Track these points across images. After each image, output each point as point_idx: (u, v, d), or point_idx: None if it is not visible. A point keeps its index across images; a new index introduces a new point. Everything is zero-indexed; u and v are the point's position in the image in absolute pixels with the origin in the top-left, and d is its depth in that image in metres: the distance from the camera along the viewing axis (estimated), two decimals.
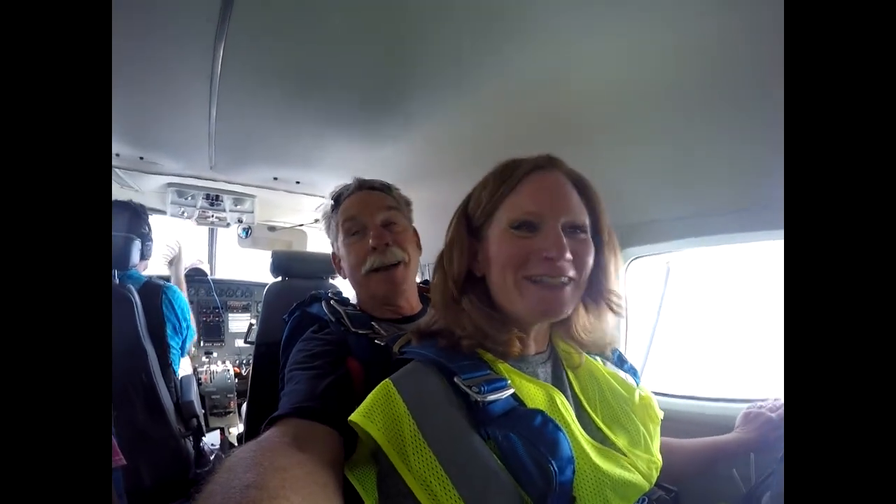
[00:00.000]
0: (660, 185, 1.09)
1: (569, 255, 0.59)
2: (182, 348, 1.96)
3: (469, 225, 0.68)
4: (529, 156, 0.67)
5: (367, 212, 0.95)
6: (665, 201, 1.10)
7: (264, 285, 2.79)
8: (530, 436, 0.54)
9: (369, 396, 0.57)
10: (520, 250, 0.61)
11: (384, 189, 1.02)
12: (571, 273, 0.60)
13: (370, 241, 0.91)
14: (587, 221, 0.64)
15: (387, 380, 0.58)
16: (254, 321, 2.79)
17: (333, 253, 1.04)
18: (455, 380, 0.58)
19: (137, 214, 1.81)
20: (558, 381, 0.68)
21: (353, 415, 0.55)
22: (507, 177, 0.65)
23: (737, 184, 0.95)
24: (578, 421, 0.62)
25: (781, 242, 0.96)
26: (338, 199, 1.01)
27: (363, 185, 1.00)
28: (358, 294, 0.99)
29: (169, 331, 1.84)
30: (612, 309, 0.67)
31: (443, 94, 1.06)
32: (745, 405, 0.94)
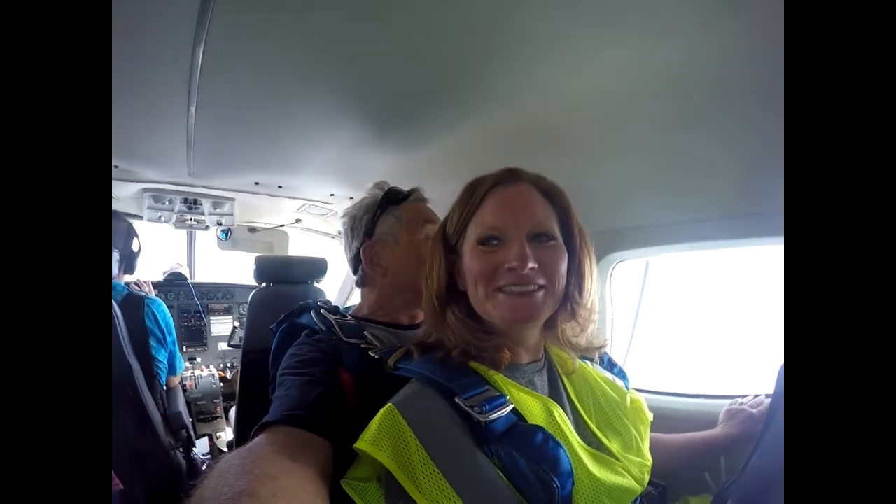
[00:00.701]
0: (650, 191, 1.11)
1: (532, 264, 0.61)
2: (171, 368, 1.93)
3: (446, 243, 0.71)
4: (492, 172, 0.70)
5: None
6: (655, 207, 1.12)
7: (246, 287, 2.74)
8: (532, 453, 0.56)
9: (374, 422, 0.57)
10: (487, 264, 0.64)
11: None
12: (541, 280, 0.63)
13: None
14: (555, 228, 0.66)
15: (390, 404, 0.59)
16: (237, 324, 2.76)
17: (373, 243, 0.97)
18: (456, 400, 0.59)
19: (120, 224, 1.77)
20: (554, 388, 0.70)
21: (359, 442, 0.56)
22: (472, 195, 0.68)
23: (730, 190, 0.97)
24: (575, 428, 0.64)
25: (773, 248, 0.99)
26: (409, 194, 1.01)
27: (424, 200, 1.03)
28: (398, 291, 0.96)
29: (153, 343, 1.81)
30: (589, 309, 0.69)
31: (433, 101, 1.06)
32: (727, 401, 0.97)
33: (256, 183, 1.81)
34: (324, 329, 0.87)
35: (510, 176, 0.68)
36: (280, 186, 1.86)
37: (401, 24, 0.79)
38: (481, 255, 0.65)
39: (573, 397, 0.70)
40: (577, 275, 0.67)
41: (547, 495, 0.54)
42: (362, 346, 0.84)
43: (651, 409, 0.77)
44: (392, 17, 0.77)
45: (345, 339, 0.85)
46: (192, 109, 1.12)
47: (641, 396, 0.76)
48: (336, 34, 0.83)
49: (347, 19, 0.78)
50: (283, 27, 0.81)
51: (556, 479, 0.54)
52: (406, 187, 1.04)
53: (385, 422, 0.57)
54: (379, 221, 0.98)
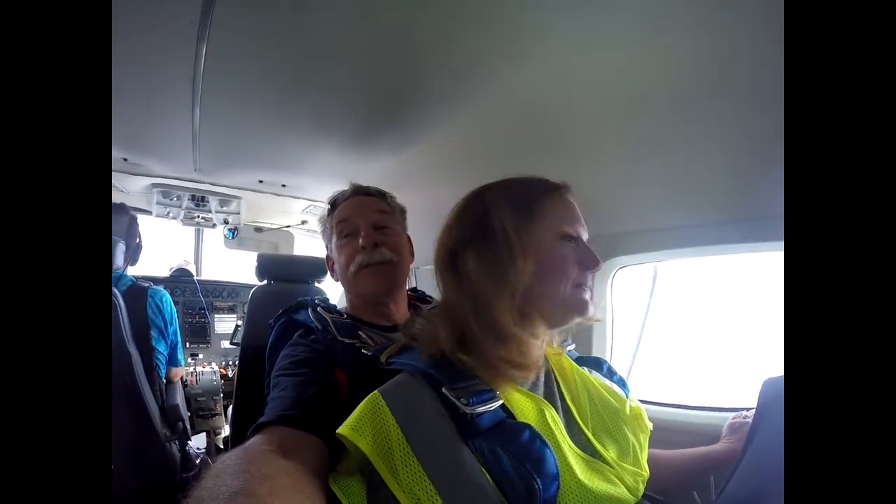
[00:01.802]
0: (650, 195, 1.09)
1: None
2: (172, 359, 1.94)
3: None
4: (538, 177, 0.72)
5: (360, 214, 0.97)
6: (656, 210, 1.10)
7: (250, 286, 2.77)
8: (517, 452, 0.54)
9: (357, 409, 0.56)
10: (573, 260, 0.66)
11: (379, 195, 1.04)
12: None
13: (360, 240, 0.92)
14: None
15: (375, 392, 0.58)
16: (240, 322, 2.77)
17: (328, 255, 1.05)
18: (443, 390, 0.57)
19: (125, 217, 1.79)
20: (549, 391, 0.68)
21: (341, 427, 0.55)
22: (548, 190, 0.69)
23: (732, 193, 0.95)
24: (568, 433, 0.62)
25: (775, 252, 0.96)
26: (334, 203, 1.03)
27: (358, 191, 1.03)
28: (349, 296, 0.99)
29: (154, 334, 1.82)
30: None
31: (436, 101, 1.06)
32: (731, 414, 0.94)
33: (260, 181, 1.83)
34: (319, 327, 0.88)
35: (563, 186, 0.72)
36: (284, 185, 1.87)
37: (396, 21, 0.79)
38: (568, 250, 0.66)
39: (568, 401, 0.69)
40: None
41: (528, 497, 0.52)
42: (356, 344, 0.84)
43: (653, 421, 0.75)
44: (388, 15, 0.77)
45: (339, 338, 0.85)
46: (197, 105, 1.13)
47: (643, 407, 0.75)
48: (332, 33, 0.83)
49: (343, 17, 0.78)
50: (281, 27, 0.82)
51: (538, 480, 0.52)
52: (402, 187, 1.05)
53: (368, 409, 0.56)
54: (325, 233, 1.04)
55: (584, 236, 0.68)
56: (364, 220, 0.96)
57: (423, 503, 0.49)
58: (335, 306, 0.97)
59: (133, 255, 1.87)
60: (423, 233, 0.99)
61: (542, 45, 0.81)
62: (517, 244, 0.64)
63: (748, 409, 0.92)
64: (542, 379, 0.69)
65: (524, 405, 0.61)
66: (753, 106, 0.78)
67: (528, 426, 0.57)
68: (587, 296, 0.66)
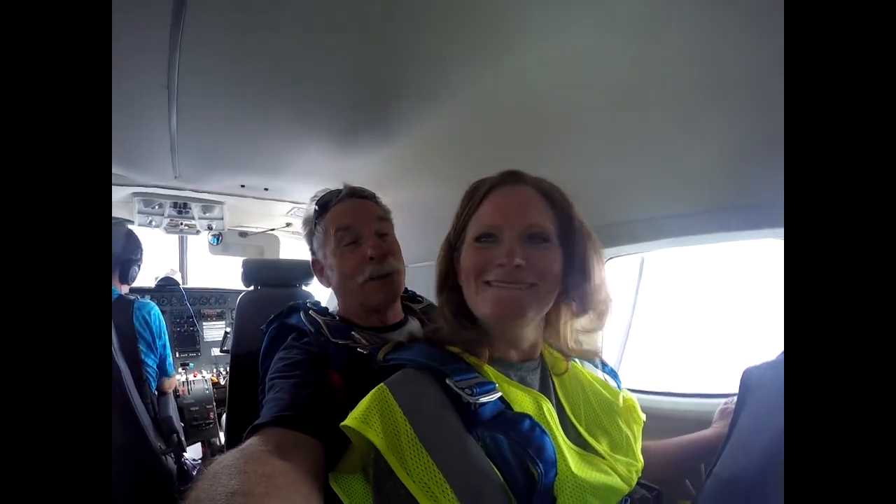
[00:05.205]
0: (641, 184, 1.09)
1: (519, 261, 0.61)
2: (162, 370, 1.92)
3: (449, 240, 0.73)
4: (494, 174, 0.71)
5: (363, 221, 0.94)
6: (646, 200, 1.11)
7: (238, 292, 2.75)
8: (519, 439, 0.56)
9: (364, 402, 0.58)
10: (479, 260, 0.65)
11: (373, 198, 1.02)
12: (530, 279, 0.63)
13: (369, 251, 0.90)
14: (550, 229, 0.66)
15: (381, 385, 0.59)
16: (229, 329, 2.74)
17: (315, 259, 1.02)
18: (447, 381, 0.60)
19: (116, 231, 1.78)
20: (545, 388, 0.70)
21: (348, 419, 0.56)
22: (472, 196, 0.70)
23: (725, 181, 0.95)
24: (561, 427, 0.64)
25: (765, 241, 0.98)
26: (325, 205, 0.98)
27: (354, 193, 0.99)
28: (346, 302, 0.98)
29: (142, 348, 1.80)
30: (597, 310, 0.69)
31: (419, 99, 1.05)
32: (722, 400, 0.96)
33: (242, 185, 1.81)
34: (312, 330, 0.88)
35: (511, 178, 0.70)
36: (266, 189, 1.86)
37: (377, 16, 0.77)
38: (476, 251, 0.66)
39: (562, 399, 0.70)
40: (583, 275, 0.67)
41: (528, 483, 0.55)
42: (350, 345, 0.84)
43: (644, 409, 0.76)
44: (367, 10, 0.76)
45: (333, 339, 0.85)
46: (174, 112, 1.11)
47: (634, 397, 0.76)
48: (313, 36, 0.82)
49: (326, 21, 0.77)
50: (257, 26, 0.80)
51: (540, 465, 0.55)
52: (389, 185, 1.03)
53: (375, 401, 0.57)
54: (314, 238, 1.00)
55: (515, 229, 0.64)
56: (368, 227, 0.94)
57: (434, 492, 0.51)
58: (327, 309, 0.98)
59: (129, 273, 1.85)
60: (413, 230, 0.98)
61: (527, 39, 0.80)
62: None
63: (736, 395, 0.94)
64: (538, 377, 0.71)
65: (521, 398, 0.63)
66: (747, 91, 0.78)
67: (527, 416, 0.59)
68: (496, 294, 0.63)
